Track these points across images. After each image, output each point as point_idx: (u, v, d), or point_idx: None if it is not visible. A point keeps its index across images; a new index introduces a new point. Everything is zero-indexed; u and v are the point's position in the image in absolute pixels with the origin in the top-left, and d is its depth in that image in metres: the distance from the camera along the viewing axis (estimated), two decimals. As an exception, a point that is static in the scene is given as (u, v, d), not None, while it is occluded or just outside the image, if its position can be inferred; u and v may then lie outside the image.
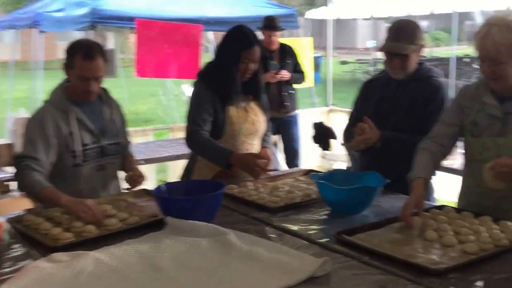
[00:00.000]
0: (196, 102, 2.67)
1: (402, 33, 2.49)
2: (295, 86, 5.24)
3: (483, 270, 1.58)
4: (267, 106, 2.88)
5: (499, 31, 1.95)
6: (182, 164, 5.42)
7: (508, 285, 1.48)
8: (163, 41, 5.39)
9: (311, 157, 6.03)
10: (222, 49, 2.71)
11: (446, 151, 2.21)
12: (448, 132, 2.20)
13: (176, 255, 1.74)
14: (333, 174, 2.35)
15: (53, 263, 1.66)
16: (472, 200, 2.17)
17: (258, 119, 2.78)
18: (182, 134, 5.65)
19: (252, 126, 2.74)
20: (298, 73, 5.17)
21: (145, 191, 2.45)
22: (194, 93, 2.71)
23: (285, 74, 4.98)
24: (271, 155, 2.77)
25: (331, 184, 2.15)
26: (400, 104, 2.55)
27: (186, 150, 4.68)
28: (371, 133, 2.44)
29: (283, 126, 5.10)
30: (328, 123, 6.27)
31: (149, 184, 5.09)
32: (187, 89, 8.61)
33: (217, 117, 2.66)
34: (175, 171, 5.53)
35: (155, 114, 11.27)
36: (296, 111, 5.30)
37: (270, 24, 4.96)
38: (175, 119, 8.71)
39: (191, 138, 2.66)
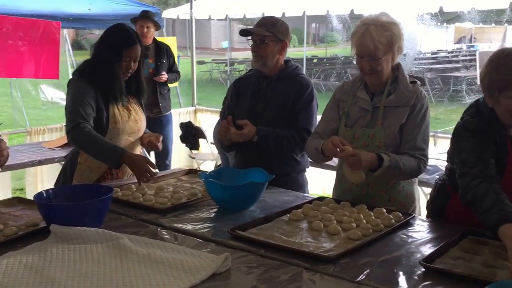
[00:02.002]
0: (78, 97, 2.53)
1: (265, 22, 2.66)
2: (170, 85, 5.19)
3: (368, 253, 1.74)
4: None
5: (376, 29, 2.17)
6: (41, 170, 5.11)
7: (391, 264, 1.65)
8: (17, 38, 4.95)
9: (179, 157, 6.02)
10: (102, 46, 2.61)
11: None
12: (328, 127, 2.39)
13: (67, 264, 1.65)
14: (220, 172, 2.39)
15: None
16: (345, 188, 2.38)
17: (140, 118, 2.75)
18: (41, 138, 5.30)
19: (135, 124, 2.70)
20: (174, 73, 5.12)
21: (18, 199, 2.27)
22: (75, 89, 2.58)
23: (164, 77, 4.91)
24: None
25: (219, 182, 2.19)
26: (271, 101, 2.68)
27: (48, 154, 4.45)
28: (248, 128, 2.53)
29: (155, 126, 5.01)
30: (195, 123, 6.32)
31: (5, 193, 4.68)
32: (46, 90, 8.06)
33: (100, 115, 2.57)
34: (34, 177, 5.15)
35: (10, 116, 10.36)
36: (170, 111, 5.25)
37: (145, 14, 4.87)
38: (32, 122, 8.11)
39: (76, 130, 2.47)
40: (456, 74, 14.34)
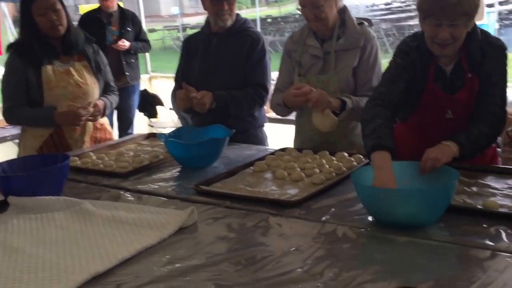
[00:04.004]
0: (7, 76, 2.56)
1: None
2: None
3: (332, 195, 1.77)
4: (104, 68, 2.79)
5: None
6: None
7: (353, 202, 1.67)
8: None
9: (139, 126, 5.92)
10: (19, 12, 2.57)
11: None
12: (285, 81, 2.39)
13: (30, 233, 1.61)
14: (179, 132, 2.36)
15: None
16: (305, 138, 2.40)
17: (85, 81, 2.65)
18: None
19: (77, 88, 2.61)
20: (141, 42, 4.95)
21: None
22: (5, 67, 2.57)
23: (123, 44, 4.73)
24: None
25: (180, 141, 2.17)
26: (223, 59, 2.62)
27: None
28: (204, 97, 2.47)
29: (122, 96, 4.87)
30: (151, 90, 6.20)
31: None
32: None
33: (32, 84, 2.52)
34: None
35: None
36: (138, 81, 5.11)
37: None
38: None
39: (10, 114, 2.61)
40: (410, 23, 14.45)
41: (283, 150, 2.28)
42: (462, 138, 1.76)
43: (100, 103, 2.67)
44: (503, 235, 1.41)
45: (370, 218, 1.57)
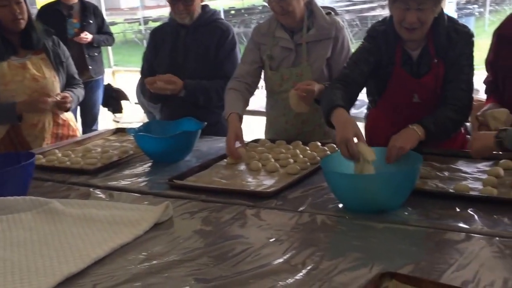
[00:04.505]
0: None
1: None
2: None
3: (308, 185, 1.76)
4: (66, 61, 2.70)
5: None
6: None
7: (329, 192, 1.65)
8: None
9: (102, 122, 5.79)
10: None
11: (252, 89, 2.34)
12: (250, 70, 2.33)
13: (-5, 235, 1.54)
14: (149, 126, 2.31)
15: None
16: (279, 129, 2.38)
17: (44, 75, 2.55)
18: None
19: (34, 83, 2.52)
20: (104, 34, 4.81)
21: None
22: None
23: (85, 37, 4.59)
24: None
25: (150, 135, 2.12)
26: (192, 51, 2.57)
27: None
28: (175, 83, 2.43)
29: (86, 90, 4.72)
30: (114, 85, 6.06)
31: None
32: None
33: None
34: None
35: None
36: (102, 76, 4.97)
37: None
38: None
39: None
40: (373, 13, 14.63)
41: (256, 141, 2.26)
42: (428, 122, 1.79)
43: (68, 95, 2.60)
44: (476, 217, 1.44)
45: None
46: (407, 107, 1.99)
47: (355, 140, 1.61)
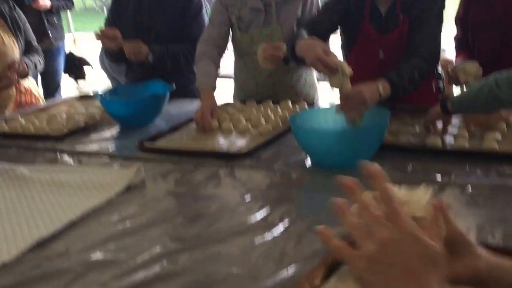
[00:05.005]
0: None
1: None
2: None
3: (281, 144, 1.75)
4: (24, 26, 2.59)
5: None
6: None
7: (299, 150, 1.64)
8: None
9: (65, 90, 5.63)
10: None
11: (222, 52, 2.29)
12: (220, 32, 2.27)
13: (-40, 205, 1.48)
14: (116, 90, 2.24)
15: None
16: (249, 91, 2.34)
17: (2, 41, 2.45)
18: None
19: None
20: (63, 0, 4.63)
21: None
22: None
23: (43, 3, 4.40)
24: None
25: (118, 99, 2.06)
26: (157, 14, 2.49)
27: None
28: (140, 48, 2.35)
29: (47, 58, 4.54)
30: (76, 52, 5.87)
31: None
32: None
33: None
34: None
35: None
36: (63, 42, 4.80)
37: None
38: None
39: None
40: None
41: (226, 105, 2.22)
42: (391, 74, 1.70)
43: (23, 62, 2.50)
44: (448, 169, 1.46)
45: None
46: (373, 63, 1.98)
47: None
